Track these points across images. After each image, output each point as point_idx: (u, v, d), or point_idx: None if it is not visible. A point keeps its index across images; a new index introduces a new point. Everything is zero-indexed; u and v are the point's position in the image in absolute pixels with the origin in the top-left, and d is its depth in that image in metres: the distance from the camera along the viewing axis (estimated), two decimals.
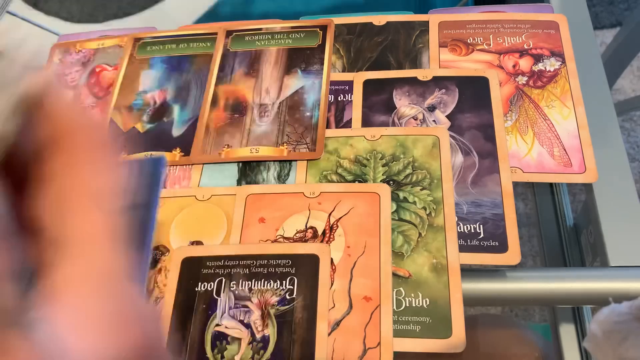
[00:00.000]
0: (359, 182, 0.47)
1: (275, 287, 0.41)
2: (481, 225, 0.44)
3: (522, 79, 0.52)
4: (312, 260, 0.42)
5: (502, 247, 0.43)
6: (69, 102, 0.16)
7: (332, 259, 0.42)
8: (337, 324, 0.40)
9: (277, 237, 0.44)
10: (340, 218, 0.44)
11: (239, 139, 0.50)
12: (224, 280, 0.42)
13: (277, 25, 0.58)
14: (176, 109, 0.54)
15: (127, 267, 0.15)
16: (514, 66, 0.53)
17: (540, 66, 0.52)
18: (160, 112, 0.54)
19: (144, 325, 0.15)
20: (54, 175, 0.15)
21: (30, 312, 0.14)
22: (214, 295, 0.42)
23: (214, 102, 0.53)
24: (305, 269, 0.42)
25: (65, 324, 0.14)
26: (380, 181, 0.47)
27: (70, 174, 0.15)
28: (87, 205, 0.15)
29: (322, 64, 0.55)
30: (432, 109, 0.51)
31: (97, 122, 0.16)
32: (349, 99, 0.53)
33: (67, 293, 0.14)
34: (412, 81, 0.53)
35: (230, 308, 0.41)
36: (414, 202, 0.45)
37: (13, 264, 0.14)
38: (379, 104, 0.52)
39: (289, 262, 0.42)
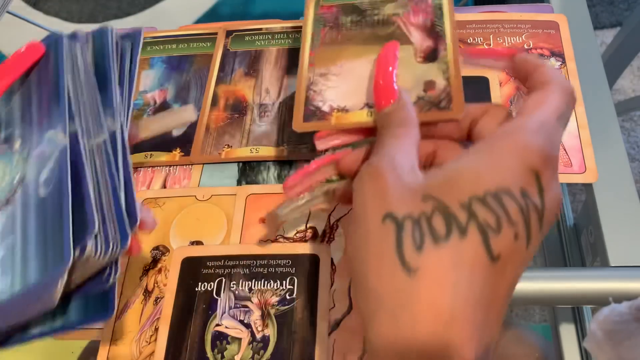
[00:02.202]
0: None
1: (275, 287, 0.41)
2: None
3: None
4: (313, 260, 0.42)
5: None
6: None
7: (332, 259, 0.42)
8: (338, 323, 0.40)
9: (277, 237, 0.44)
10: (340, 218, 0.45)
11: (239, 139, 0.50)
12: (224, 280, 0.42)
13: (277, 25, 0.58)
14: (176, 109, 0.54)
15: None
16: None
17: None
18: (160, 112, 0.54)
19: None
20: None
21: None
22: (214, 295, 0.42)
23: (214, 102, 0.53)
24: (305, 268, 0.42)
25: None
26: None
27: None
28: None
29: None
30: None
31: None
32: None
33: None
34: None
35: (230, 308, 0.41)
36: None
37: None
38: None
39: (289, 262, 0.42)
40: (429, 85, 0.40)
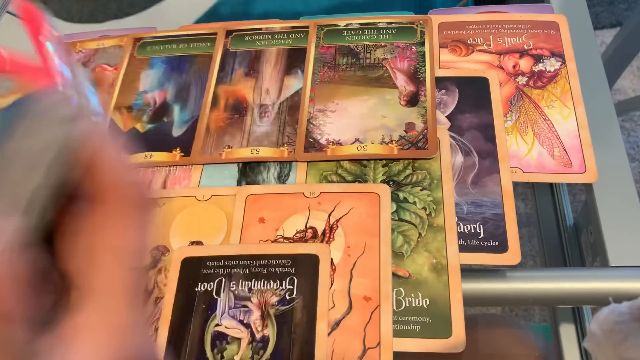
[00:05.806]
0: (359, 182, 0.47)
1: (275, 287, 0.41)
2: (481, 225, 0.44)
3: (522, 79, 0.52)
4: (312, 261, 0.42)
5: (502, 247, 0.43)
6: (115, 158, 0.18)
7: (332, 259, 0.42)
8: (337, 324, 0.40)
9: (277, 237, 0.44)
10: (340, 218, 0.44)
11: (239, 140, 0.50)
12: (223, 280, 0.42)
13: (277, 25, 0.58)
14: (176, 109, 0.54)
15: (138, 320, 0.17)
16: (514, 66, 0.53)
17: (540, 66, 0.52)
18: (161, 112, 0.54)
19: None
20: (88, 229, 0.17)
21: (41, 356, 0.16)
22: (214, 295, 0.42)
23: (215, 102, 0.53)
24: (305, 269, 0.42)
25: None
26: (380, 182, 0.47)
27: (102, 230, 0.17)
28: (112, 262, 0.17)
29: None
30: None
31: (138, 182, 0.19)
32: None
33: (79, 340, 0.16)
34: None
35: (230, 308, 0.41)
36: (414, 203, 0.45)
37: (29, 311, 0.16)
38: None
39: (288, 262, 0.42)
40: (410, 126, 0.48)
